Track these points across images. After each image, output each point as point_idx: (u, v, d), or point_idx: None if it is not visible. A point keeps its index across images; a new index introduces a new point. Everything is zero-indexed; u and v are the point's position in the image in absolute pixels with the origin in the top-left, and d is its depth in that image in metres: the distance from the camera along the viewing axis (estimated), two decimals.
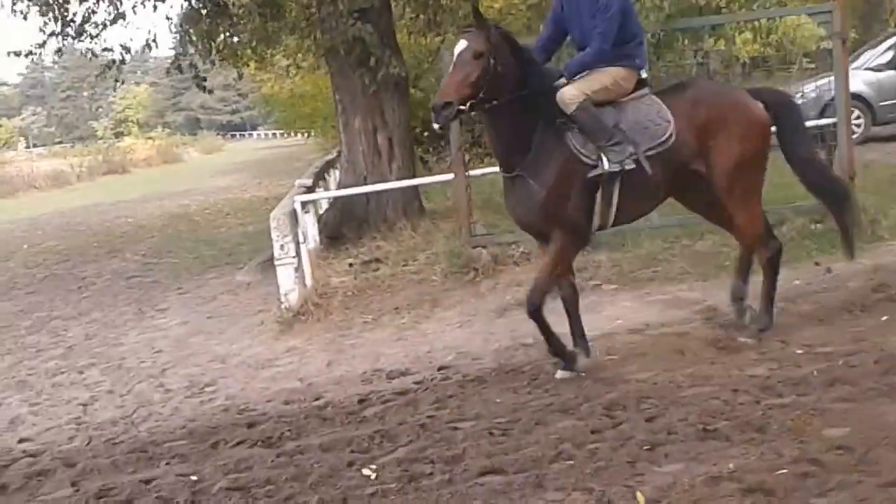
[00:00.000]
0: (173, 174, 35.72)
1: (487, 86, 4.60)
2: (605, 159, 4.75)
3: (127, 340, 7.37)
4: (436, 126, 4.66)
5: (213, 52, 10.13)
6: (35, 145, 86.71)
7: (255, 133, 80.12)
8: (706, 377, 4.59)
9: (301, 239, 7.38)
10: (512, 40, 4.83)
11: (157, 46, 10.35)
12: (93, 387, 6.20)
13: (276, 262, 7.16)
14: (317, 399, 5.22)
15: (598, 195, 4.85)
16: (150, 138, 65.05)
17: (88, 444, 5.03)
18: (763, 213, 5.21)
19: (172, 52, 10.35)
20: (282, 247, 7.08)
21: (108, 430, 5.20)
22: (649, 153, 4.84)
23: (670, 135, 4.87)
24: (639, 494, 3.34)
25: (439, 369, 5.41)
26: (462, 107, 4.57)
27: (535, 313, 4.80)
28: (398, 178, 9.36)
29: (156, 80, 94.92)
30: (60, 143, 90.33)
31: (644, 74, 5.10)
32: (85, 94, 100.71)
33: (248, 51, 10.86)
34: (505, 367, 5.28)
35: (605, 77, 4.92)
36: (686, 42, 10.69)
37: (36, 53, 10.13)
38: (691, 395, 4.35)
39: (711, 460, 3.57)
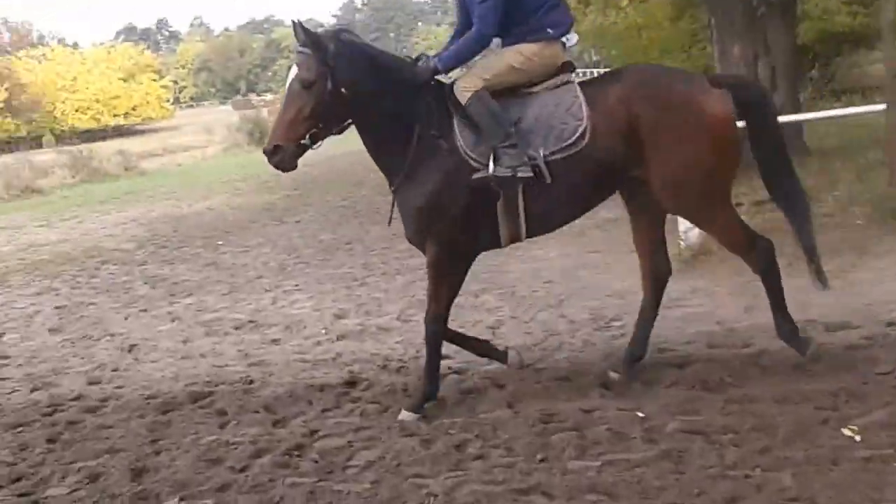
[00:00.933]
0: None
1: (328, 114, 4.11)
2: (494, 163, 4.05)
3: (512, 269, 7.46)
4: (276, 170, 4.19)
5: None
6: None
7: None
8: None
9: None
10: (361, 49, 4.25)
11: None
12: (494, 311, 6.31)
13: None
14: (746, 346, 4.87)
15: (500, 204, 4.14)
16: None
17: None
18: (737, 216, 4.36)
19: None
20: None
21: (525, 355, 5.21)
22: (554, 157, 4.09)
23: (580, 136, 4.08)
24: None
25: (889, 325, 4.82)
26: (304, 141, 4.09)
27: (434, 341, 4.40)
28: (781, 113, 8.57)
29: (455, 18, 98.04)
30: None
31: (570, 42, 4.29)
32: (391, 34, 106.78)
33: None
34: None
35: (512, 56, 4.22)
36: None
37: None
38: None
39: None
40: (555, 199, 4.20)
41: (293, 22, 4.14)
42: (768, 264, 4.34)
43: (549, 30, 4.21)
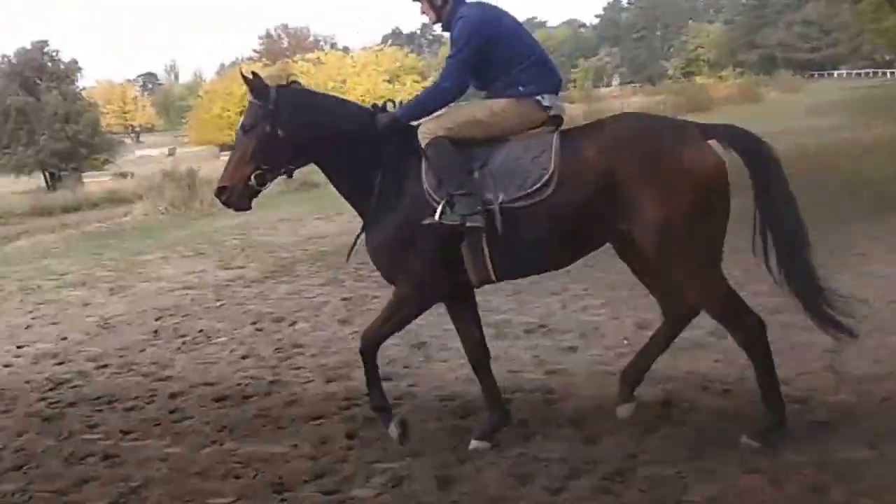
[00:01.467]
0: (758, 114, 34.33)
1: (270, 157, 4.27)
2: (445, 209, 4.09)
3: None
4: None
5: None
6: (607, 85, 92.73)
7: (836, 72, 74.48)
8: None
9: None
10: (308, 98, 4.47)
11: None
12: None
13: None
14: None
15: (464, 247, 4.14)
16: (719, 77, 64.17)
17: None
18: (723, 282, 4.05)
19: None
20: None
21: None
22: (514, 204, 4.08)
23: (545, 184, 4.04)
24: None
25: None
26: (250, 182, 4.23)
27: (368, 358, 4.44)
28: None
29: (730, 17, 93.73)
30: (630, 82, 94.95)
31: (546, 102, 4.23)
32: (658, 33, 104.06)
33: None
34: None
35: (478, 110, 4.35)
36: None
37: None
38: None
39: None
40: (522, 246, 4.15)
41: (241, 74, 4.38)
42: (753, 344, 4.04)
43: (519, 87, 4.25)
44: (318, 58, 76.48)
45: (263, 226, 13.68)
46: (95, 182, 34.03)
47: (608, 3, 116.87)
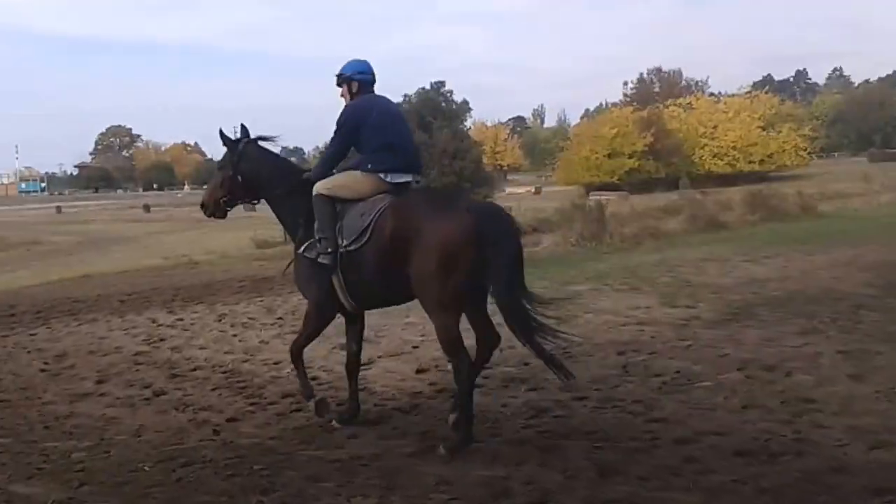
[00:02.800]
0: None
1: (231, 189, 6.06)
2: (311, 246, 5.63)
3: None
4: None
5: None
6: None
7: None
8: None
9: None
10: (261, 152, 6.07)
11: None
12: None
13: None
14: None
15: (333, 279, 5.60)
16: None
17: None
18: (453, 324, 5.27)
19: None
20: None
21: None
22: (348, 248, 5.47)
23: (361, 234, 5.42)
24: None
25: None
26: (223, 201, 6.09)
27: (294, 361, 5.98)
28: None
29: None
30: None
31: (391, 179, 5.63)
32: None
33: None
34: None
35: (344, 178, 5.80)
36: None
37: None
38: None
39: None
40: (361, 282, 5.57)
41: (220, 131, 6.08)
42: (461, 376, 5.33)
43: (368, 165, 5.71)
44: (689, 103, 74.67)
45: (686, 264, 12.77)
46: None
47: None
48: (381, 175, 5.65)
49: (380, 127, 5.71)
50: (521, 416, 5.94)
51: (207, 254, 20.39)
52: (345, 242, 5.48)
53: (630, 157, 65.30)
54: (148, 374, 7.77)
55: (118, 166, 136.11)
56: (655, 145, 65.62)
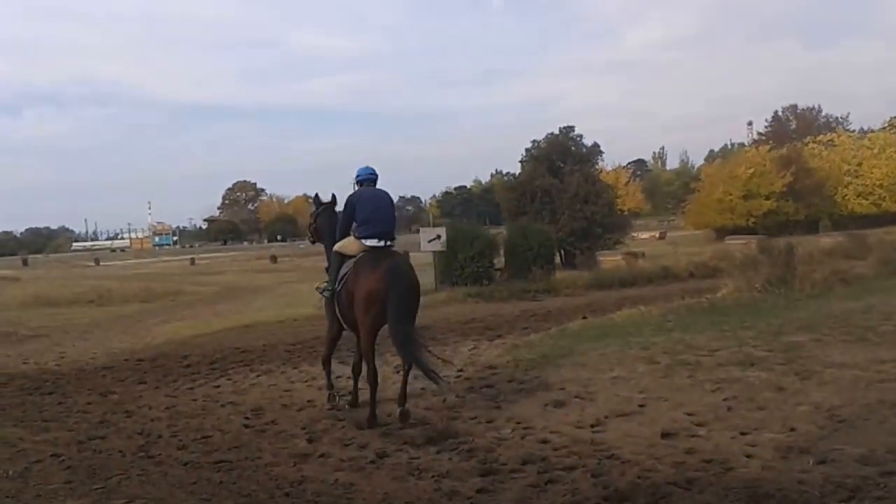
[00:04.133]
0: None
1: (313, 232, 9.44)
2: (323, 285, 8.51)
3: None
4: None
5: None
6: None
7: None
8: None
9: None
10: (326, 215, 9.10)
11: None
12: None
13: None
14: None
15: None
16: None
17: None
18: (370, 344, 7.84)
19: None
20: None
21: None
22: (338, 289, 8.14)
23: (340, 282, 8.12)
24: None
25: None
26: (310, 239, 9.77)
27: (323, 365, 8.91)
28: None
29: None
30: None
31: (368, 242, 8.11)
32: None
33: None
34: None
35: (345, 241, 8.32)
36: None
37: None
38: None
39: None
40: (342, 312, 8.16)
41: (315, 195, 9.64)
42: (371, 378, 7.79)
43: (357, 233, 8.22)
44: (831, 140, 71.19)
45: None
46: (609, 260, 34.30)
47: None
48: (362, 240, 8.15)
49: (365, 207, 8.21)
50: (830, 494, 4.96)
51: None
52: (337, 286, 8.13)
53: (767, 198, 62.39)
54: (357, 433, 7.23)
55: (244, 219, 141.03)
56: (795, 185, 62.53)
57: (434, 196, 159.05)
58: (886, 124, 78.61)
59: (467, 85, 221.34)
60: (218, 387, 9.94)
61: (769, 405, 7.03)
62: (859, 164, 66.78)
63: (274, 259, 71.33)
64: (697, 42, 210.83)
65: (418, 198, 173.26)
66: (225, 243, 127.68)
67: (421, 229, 22.92)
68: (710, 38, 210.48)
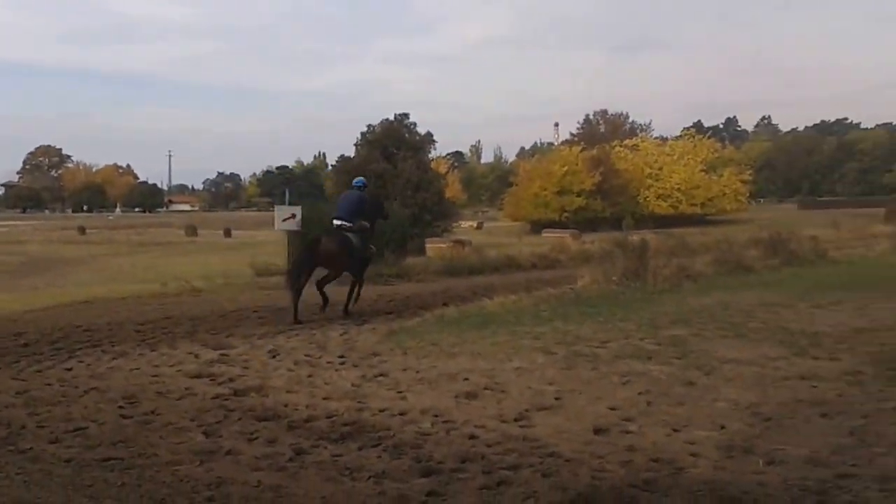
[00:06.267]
0: None
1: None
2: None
3: None
4: None
5: None
6: None
7: None
8: None
9: None
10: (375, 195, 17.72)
11: None
12: None
13: None
14: None
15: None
16: None
17: None
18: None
19: None
20: None
21: None
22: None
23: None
24: None
25: None
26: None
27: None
28: None
29: None
30: None
31: (335, 222, 13.56)
32: None
33: None
34: None
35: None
36: None
37: None
38: None
39: None
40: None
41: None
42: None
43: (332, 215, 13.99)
44: (636, 144, 75.69)
45: (756, 309, 11.93)
46: (435, 247, 34.38)
47: None
48: (333, 220, 13.49)
49: (341, 201, 13.82)
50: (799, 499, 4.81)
51: (175, 279, 18.70)
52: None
53: (579, 195, 65.49)
54: (257, 426, 6.48)
55: (46, 186, 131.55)
56: (604, 185, 66.03)
57: (255, 174, 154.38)
58: (684, 133, 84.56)
59: (292, 65, 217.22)
60: (70, 369, 8.78)
61: (686, 401, 6.97)
62: (660, 169, 71.46)
63: (82, 230, 66.56)
64: (514, 44, 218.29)
65: (237, 174, 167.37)
66: (24, 211, 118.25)
67: (276, 207, 21.88)
68: (525, 42, 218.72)
